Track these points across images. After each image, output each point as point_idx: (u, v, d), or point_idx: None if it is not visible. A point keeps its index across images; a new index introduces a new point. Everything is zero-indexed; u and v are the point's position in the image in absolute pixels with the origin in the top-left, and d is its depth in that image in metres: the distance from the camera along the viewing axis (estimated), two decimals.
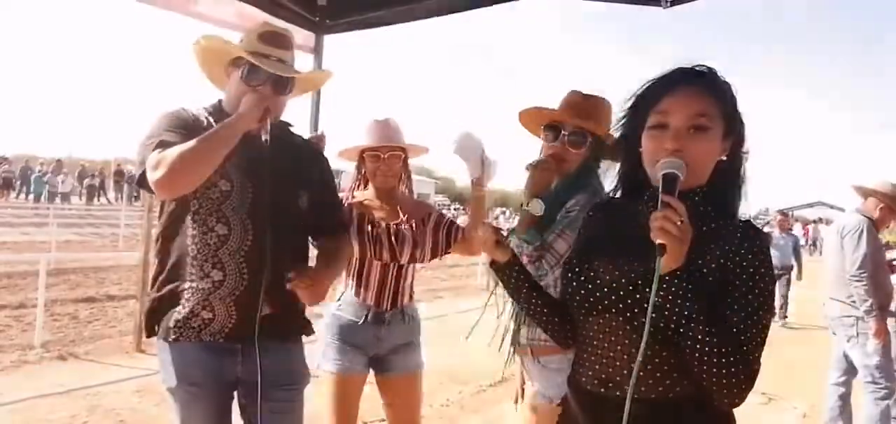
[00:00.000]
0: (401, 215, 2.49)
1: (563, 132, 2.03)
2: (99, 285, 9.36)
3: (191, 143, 1.68)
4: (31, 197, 24.22)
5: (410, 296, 2.56)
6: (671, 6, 2.56)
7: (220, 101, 1.98)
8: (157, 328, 1.89)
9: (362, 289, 2.43)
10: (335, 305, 2.49)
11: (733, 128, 1.28)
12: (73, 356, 5.69)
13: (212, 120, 1.89)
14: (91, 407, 4.37)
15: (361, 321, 2.42)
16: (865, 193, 4.01)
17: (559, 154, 2.04)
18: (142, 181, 1.78)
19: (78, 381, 4.89)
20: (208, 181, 1.78)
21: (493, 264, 1.47)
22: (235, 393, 1.96)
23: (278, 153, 1.88)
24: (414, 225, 2.50)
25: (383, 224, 2.45)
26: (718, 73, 1.28)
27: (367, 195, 2.54)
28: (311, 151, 2.11)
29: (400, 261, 2.45)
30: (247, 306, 1.83)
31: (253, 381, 1.88)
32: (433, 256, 2.58)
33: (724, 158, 1.29)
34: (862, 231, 3.79)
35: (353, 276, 2.45)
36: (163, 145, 1.72)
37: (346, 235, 2.21)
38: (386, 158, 2.47)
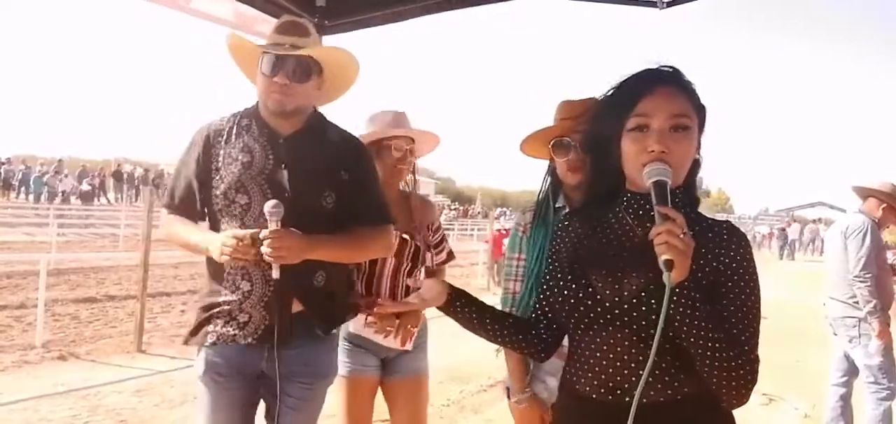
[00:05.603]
0: (410, 219, 2.43)
1: (571, 142, 1.96)
2: (99, 285, 9.37)
3: (175, 234, 1.98)
4: (31, 197, 24.22)
5: None
6: (668, 7, 2.56)
7: (257, 103, 1.99)
8: (199, 340, 1.95)
9: (372, 293, 2.35)
10: None
11: (703, 124, 1.30)
12: (74, 356, 5.69)
13: (244, 123, 1.93)
14: (92, 407, 4.38)
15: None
16: (865, 194, 4.00)
17: (575, 165, 1.96)
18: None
19: (78, 381, 4.90)
20: (226, 198, 1.87)
21: (442, 309, 1.43)
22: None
23: (303, 155, 1.90)
24: (422, 229, 2.45)
25: (395, 229, 2.36)
26: (682, 72, 1.29)
27: None
28: (346, 147, 2.02)
29: (414, 268, 2.42)
30: (276, 308, 1.87)
31: (274, 375, 1.92)
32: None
33: (697, 156, 1.30)
34: (866, 231, 3.77)
35: (361, 280, 2.35)
36: (171, 202, 1.99)
37: (379, 227, 2.03)
38: (392, 147, 2.35)
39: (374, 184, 2.06)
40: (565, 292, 1.32)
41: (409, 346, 2.40)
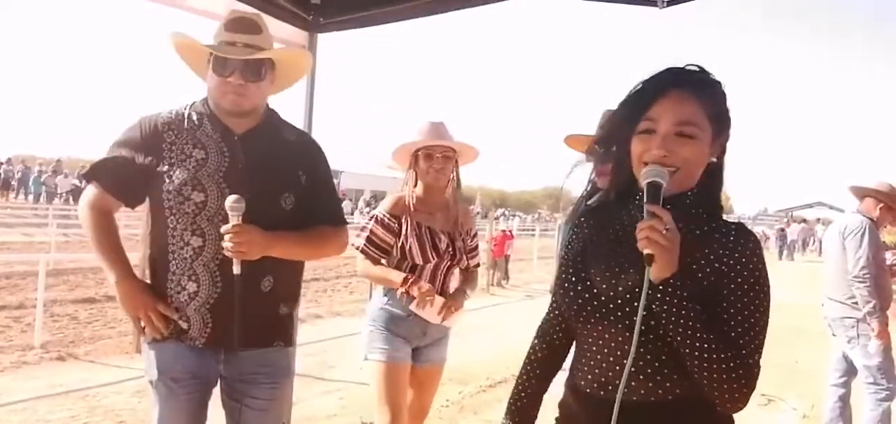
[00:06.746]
0: (454, 222, 2.71)
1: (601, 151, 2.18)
2: (98, 285, 9.34)
3: (90, 233, 1.87)
4: (30, 197, 24.22)
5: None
6: (667, 6, 2.55)
7: (206, 99, 1.93)
8: (145, 337, 1.92)
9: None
10: (384, 299, 2.63)
11: (723, 128, 1.28)
12: (73, 356, 5.69)
13: (194, 118, 1.88)
14: (90, 408, 4.37)
15: (411, 315, 2.59)
16: (862, 194, 4.00)
17: (603, 171, 2.17)
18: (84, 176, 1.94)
19: (77, 382, 4.89)
20: (180, 194, 1.80)
21: None
22: (218, 390, 1.97)
23: (261, 154, 1.86)
24: (461, 233, 2.73)
25: (439, 229, 2.65)
26: (709, 73, 1.27)
27: (420, 196, 2.66)
28: (302, 146, 2.01)
29: (452, 266, 2.69)
30: (222, 313, 1.82)
31: (234, 379, 1.90)
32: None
33: (714, 160, 1.30)
34: (864, 231, 3.77)
35: (406, 273, 2.58)
36: (94, 173, 1.88)
37: (336, 228, 2.03)
38: (439, 157, 2.61)
39: (330, 184, 2.06)
40: (566, 286, 1.34)
41: (448, 323, 2.66)
